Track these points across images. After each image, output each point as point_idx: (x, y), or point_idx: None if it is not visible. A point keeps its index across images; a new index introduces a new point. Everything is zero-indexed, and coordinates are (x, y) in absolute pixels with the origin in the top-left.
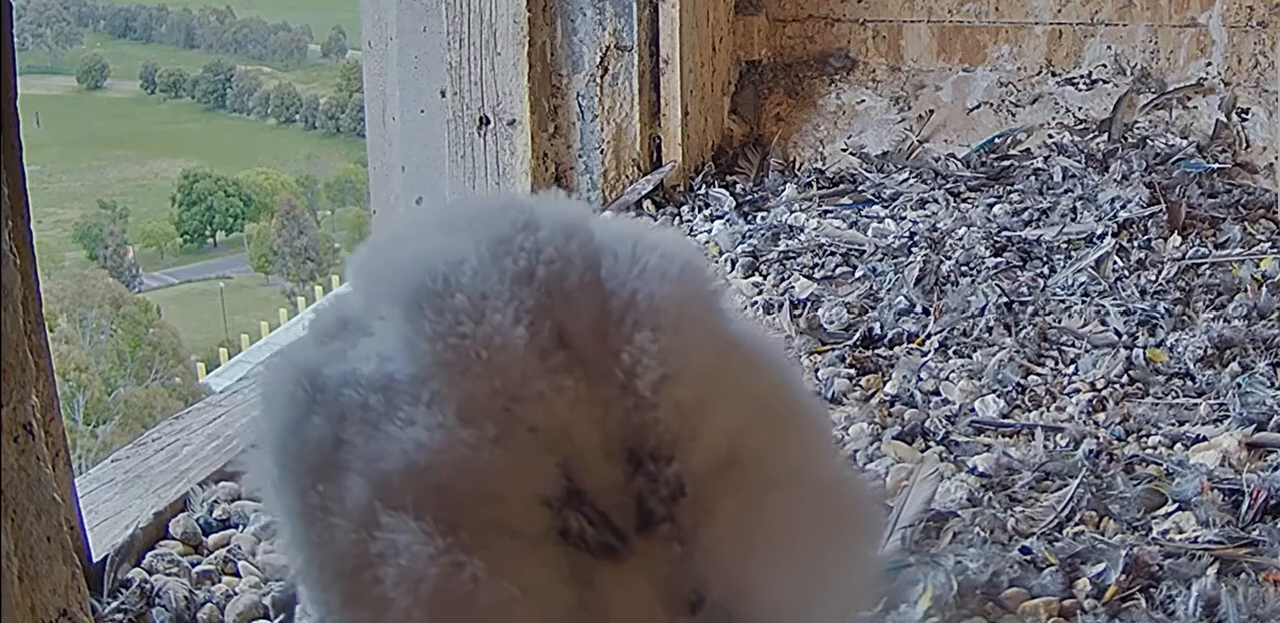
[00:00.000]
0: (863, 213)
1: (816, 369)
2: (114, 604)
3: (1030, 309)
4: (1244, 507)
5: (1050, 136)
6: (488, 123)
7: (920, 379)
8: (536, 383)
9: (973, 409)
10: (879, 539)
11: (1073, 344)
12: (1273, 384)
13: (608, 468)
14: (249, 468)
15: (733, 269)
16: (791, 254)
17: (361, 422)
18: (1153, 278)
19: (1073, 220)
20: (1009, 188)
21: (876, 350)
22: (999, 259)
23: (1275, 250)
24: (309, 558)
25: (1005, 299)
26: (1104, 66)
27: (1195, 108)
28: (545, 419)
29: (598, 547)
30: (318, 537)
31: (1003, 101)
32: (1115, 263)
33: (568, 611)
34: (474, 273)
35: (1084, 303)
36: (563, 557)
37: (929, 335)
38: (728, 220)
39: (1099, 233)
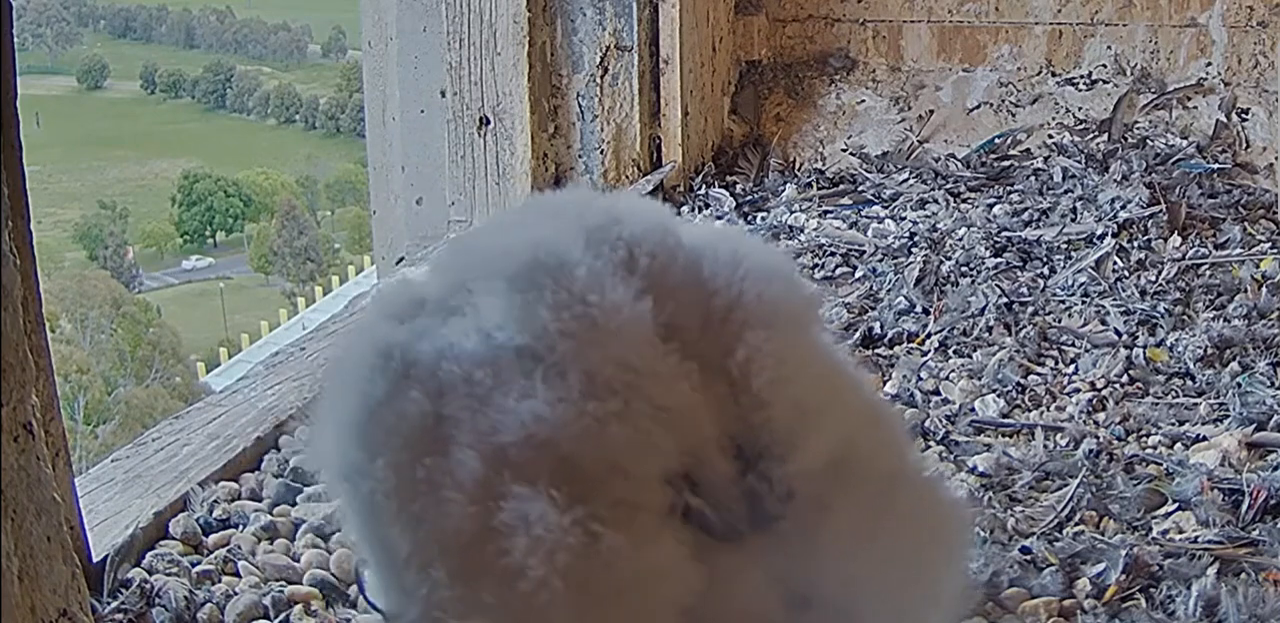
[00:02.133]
0: (863, 213)
1: None
2: (114, 604)
3: (1030, 309)
4: (1244, 507)
5: (1050, 136)
6: (488, 123)
7: (920, 379)
8: (662, 360)
9: (973, 409)
10: (972, 542)
11: (1073, 344)
12: (1273, 384)
13: (721, 462)
14: (311, 448)
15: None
16: (791, 254)
17: (466, 397)
18: (1153, 278)
19: (1073, 220)
20: (1009, 188)
21: (876, 350)
22: (999, 259)
23: (1275, 250)
24: (406, 535)
25: (1005, 299)
26: (1104, 66)
27: (1195, 108)
28: (670, 399)
29: (721, 528)
30: (423, 511)
31: (1003, 101)
32: (1115, 263)
33: (699, 588)
34: (583, 253)
35: (1084, 303)
36: (688, 536)
37: (929, 335)
38: (728, 220)
39: (1099, 233)
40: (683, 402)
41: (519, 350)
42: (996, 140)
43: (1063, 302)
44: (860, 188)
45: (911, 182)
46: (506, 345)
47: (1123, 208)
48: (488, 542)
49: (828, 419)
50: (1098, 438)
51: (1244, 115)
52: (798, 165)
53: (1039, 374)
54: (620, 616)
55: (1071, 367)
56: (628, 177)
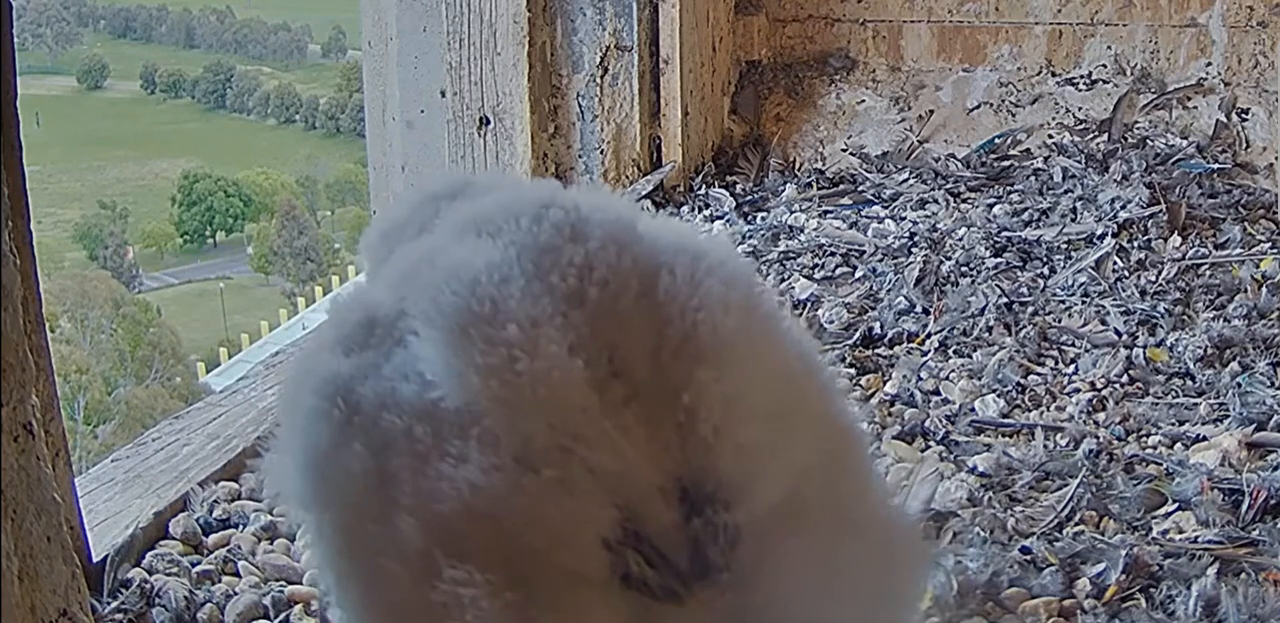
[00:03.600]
0: (863, 213)
1: None
2: (114, 604)
3: (1030, 309)
4: (1244, 507)
5: (1050, 136)
6: (488, 123)
7: (920, 379)
8: (597, 422)
9: (973, 409)
10: (929, 582)
11: (1073, 344)
12: (1273, 384)
13: (665, 509)
14: (270, 479)
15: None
16: (791, 254)
17: (408, 454)
18: (1153, 278)
19: (1073, 220)
20: (1009, 188)
21: (876, 350)
22: (999, 259)
23: (1275, 250)
24: (356, 595)
25: (1005, 299)
26: (1104, 66)
27: (1195, 108)
28: (606, 461)
29: (660, 590)
30: (368, 576)
31: (1003, 101)
32: (1115, 263)
33: None
34: (522, 293)
35: (1084, 303)
36: (627, 603)
37: (929, 335)
38: (728, 220)
39: (1099, 233)
40: (621, 463)
41: (458, 410)
42: (996, 140)
43: (1063, 302)
44: (860, 188)
45: (911, 182)
46: (447, 401)
47: (1123, 208)
48: (427, 617)
49: (777, 464)
50: (1098, 438)
51: (1244, 115)
52: (798, 165)
53: (1039, 374)
54: None
55: (1071, 367)
56: (628, 176)
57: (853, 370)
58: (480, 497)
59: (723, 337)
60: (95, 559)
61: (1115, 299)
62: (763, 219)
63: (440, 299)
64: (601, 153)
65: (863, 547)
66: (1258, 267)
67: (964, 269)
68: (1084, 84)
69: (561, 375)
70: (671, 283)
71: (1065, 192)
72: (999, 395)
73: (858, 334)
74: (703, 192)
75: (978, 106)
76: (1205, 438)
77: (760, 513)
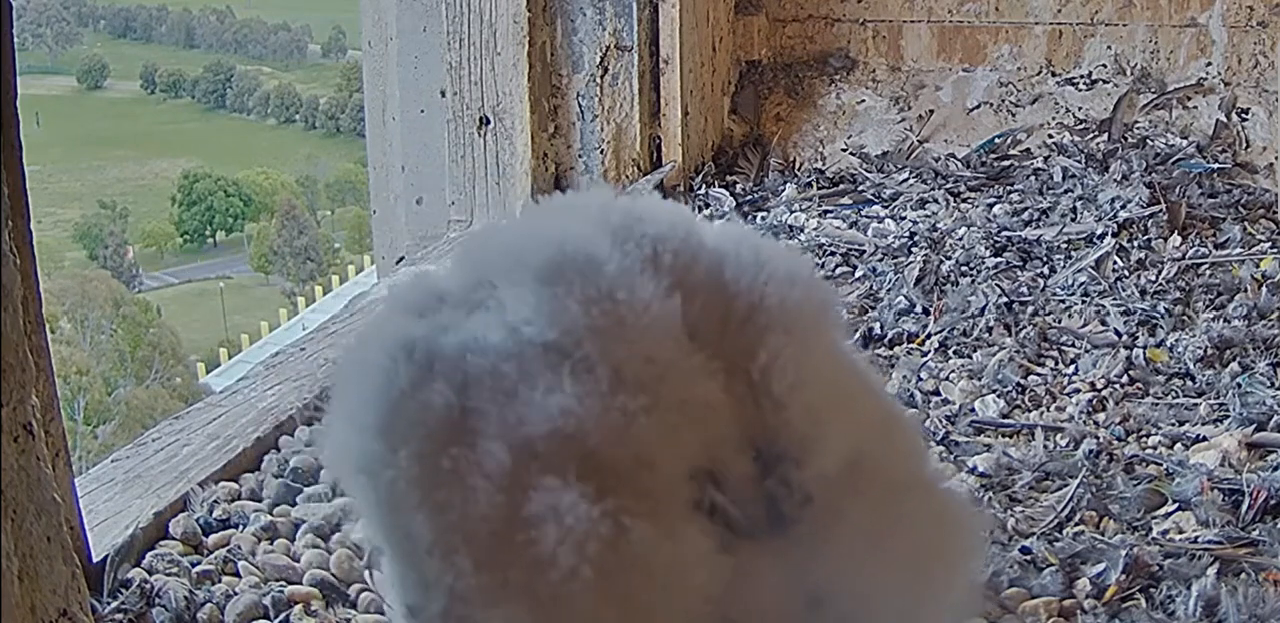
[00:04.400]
0: (863, 213)
1: None
2: (114, 604)
3: (1030, 309)
4: (1244, 507)
5: (1050, 136)
6: (488, 123)
7: (920, 379)
8: (689, 358)
9: (973, 409)
10: (983, 549)
11: (1073, 344)
12: (1273, 384)
13: (742, 462)
14: (323, 443)
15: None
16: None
17: (492, 389)
18: (1153, 278)
19: (1073, 220)
20: (1009, 188)
21: (876, 350)
22: (999, 259)
23: (1275, 250)
24: (431, 525)
25: (1005, 299)
26: (1104, 66)
27: (1195, 108)
28: (696, 394)
29: (744, 524)
30: (448, 499)
31: (1003, 101)
32: (1115, 263)
33: (724, 579)
34: (609, 253)
35: (1084, 303)
36: (713, 531)
37: (929, 335)
38: (728, 220)
39: (1099, 233)
40: (708, 398)
41: (546, 345)
42: (996, 140)
43: (1063, 302)
44: (860, 188)
45: (911, 182)
46: (534, 340)
47: (1123, 208)
48: (516, 530)
49: (842, 425)
50: (1098, 438)
51: (1244, 115)
52: (798, 165)
53: (1039, 374)
54: (650, 604)
55: (1071, 367)
56: (628, 176)
57: None
58: (570, 419)
59: (790, 307)
60: (95, 559)
61: (1115, 299)
62: (763, 219)
63: (526, 258)
64: (601, 153)
65: (918, 507)
66: (1258, 267)
67: (964, 269)
68: (1084, 84)
69: (660, 310)
70: (737, 264)
71: (1065, 192)
72: (999, 395)
73: (858, 334)
74: (703, 192)
75: (978, 106)
76: (1205, 438)
77: (828, 472)
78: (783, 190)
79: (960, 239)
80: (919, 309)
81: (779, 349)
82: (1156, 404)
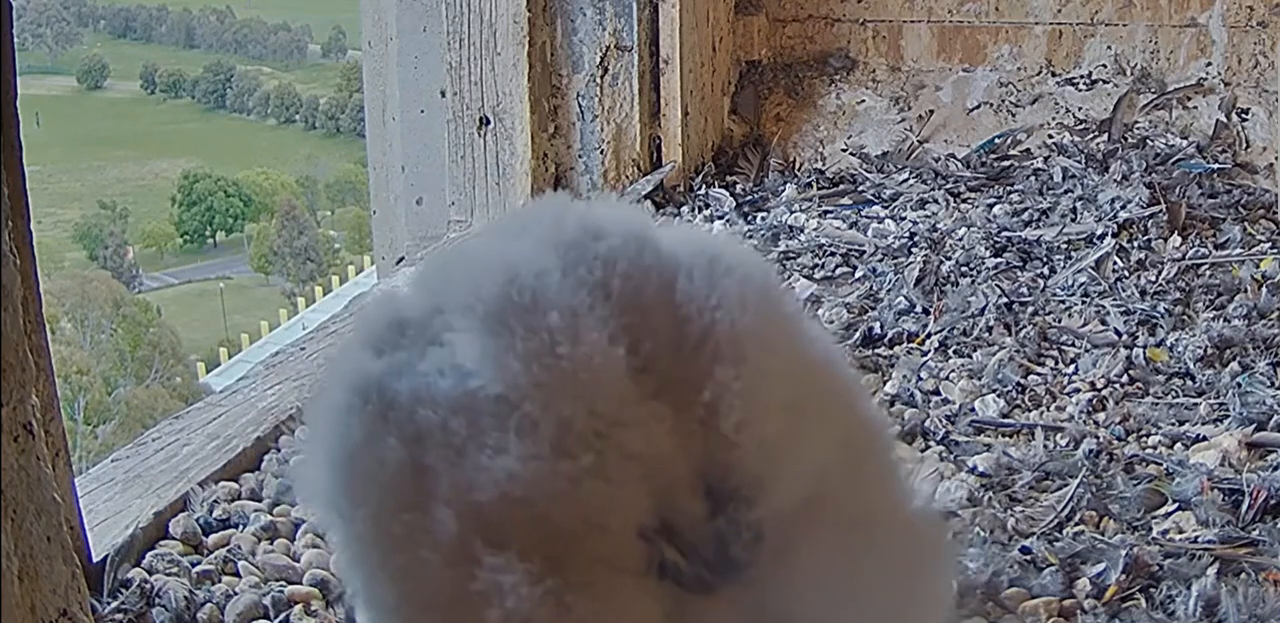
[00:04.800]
0: (863, 213)
1: None
2: (114, 604)
3: (1030, 309)
4: (1244, 507)
5: (1050, 136)
6: (488, 123)
7: (920, 379)
8: (635, 408)
9: (973, 409)
10: (954, 579)
11: (1073, 344)
12: (1273, 384)
13: (693, 502)
14: (299, 482)
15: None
16: (791, 254)
17: (444, 446)
18: (1153, 278)
19: (1073, 220)
20: (1009, 188)
21: (876, 350)
22: (999, 259)
23: (1275, 250)
24: (390, 588)
25: (1005, 299)
26: (1104, 66)
27: (1195, 108)
28: (642, 447)
29: (692, 581)
30: (403, 567)
31: (1003, 101)
32: (1115, 263)
33: None
34: (558, 285)
35: (1084, 303)
36: (662, 593)
37: (929, 335)
38: (728, 220)
39: (1099, 233)
40: (656, 449)
41: (496, 398)
42: (996, 140)
43: (1063, 302)
44: (860, 188)
45: (911, 182)
46: (485, 392)
47: (1123, 208)
48: (465, 606)
49: (799, 459)
50: (1098, 438)
51: (1244, 115)
52: (798, 165)
53: (1039, 374)
54: None
55: (1071, 367)
56: (628, 177)
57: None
58: (517, 485)
59: (739, 333)
60: (95, 559)
61: (1115, 299)
62: (763, 219)
63: (478, 291)
64: (601, 153)
65: (886, 542)
66: (1258, 267)
67: (964, 269)
68: (1084, 84)
69: (602, 361)
70: (689, 282)
71: (1065, 192)
72: (999, 395)
73: (858, 334)
74: (703, 192)
75: (978, 106)
76: (1205, 438)
77: (783, 509)
78: (783, 190)
79: (960, 239)
80: (919, 309)
81: (726, 383)
82: (1156, 404)
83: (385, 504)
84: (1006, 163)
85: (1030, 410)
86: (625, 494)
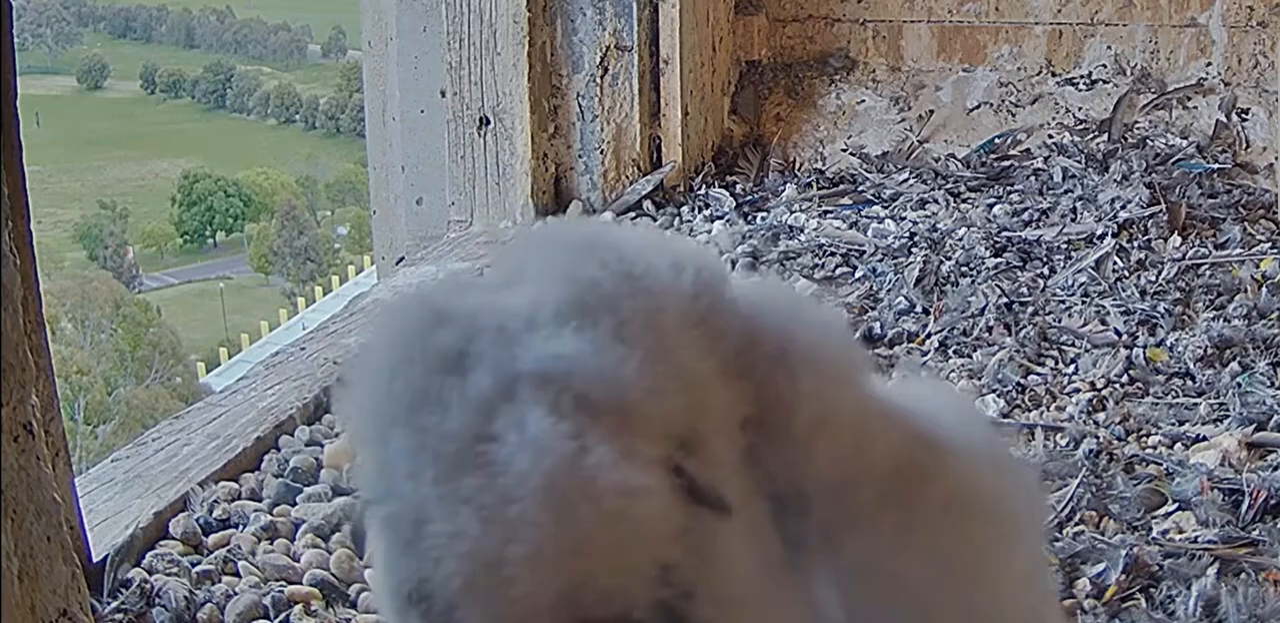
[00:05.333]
0: (863, 213)
1: None
2: (114, 604)
3: (1030, 309)
4: (1244, 507)
5: (1050, 136)
6: (488, 123)
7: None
8: (691, 332)
9: None
10: (1041, 548)
11: (1073, 344)
12: (1273, 384)
13: (723, 447)
14: (349, 379)
15: (733, 269)
16: (791, 254)
17: (496, 337)
18: (1153, 278)
19: (1073, 220)
20: (1009, 188)
21: (876, 350)
22: (999, 259)
23: (1275, 250)
24: (407, 443)
25: (1005, 299)
26: (1104, 66)
27: (1195, 108)
28: (693, 364)
29: (710, 494)
30: (427, 421)
31: (1003, 101)
32: (1115, 263)
33: (676, 528)
34: (629, 243)
35: (1084, 303)
36: (677, 492)
37: (929, 335)
38: (728, 220)
39: (1099, 233)
40: (705, 371)
41: (557, 307)
42: (996, 140)
43: (1063, 302)
44: (860, 188)
45: (911, 182)
46: (545, 302)
47: (1123, 208)
48: (481, 443)
49: (871, 454)
50: (1098, 438)
51: (1244, 115)
52: (798, 165)
53: (1039, 374)
54: (594, 529)
55: (1071, 367)
56: (628, 177)
57: None
58: (561, 363)
59: (817, 351)
60: (95, 559)
61: (1115, 299)
62: (763, 219)
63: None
64: (601, 153)
65: (965, 520)
66: (1258, 267)
67: (964, 269)
68: (1084, 84)
69: (670, 284)
70: (765, 316)
71: (1065, 192)
72: (999, 395)
73: (858, 334)
74: (703, 192)
75: (978, 106)
76: (1205, 438)
77: (848, 509)
78: (783, 190)
79: (960, 239)
80: (919, 309)
81: (802, 391)
82: (1156, 404)
83: (423, 373)
84: (1006, 163)
85: (1030, 410)
86: (662, 392)
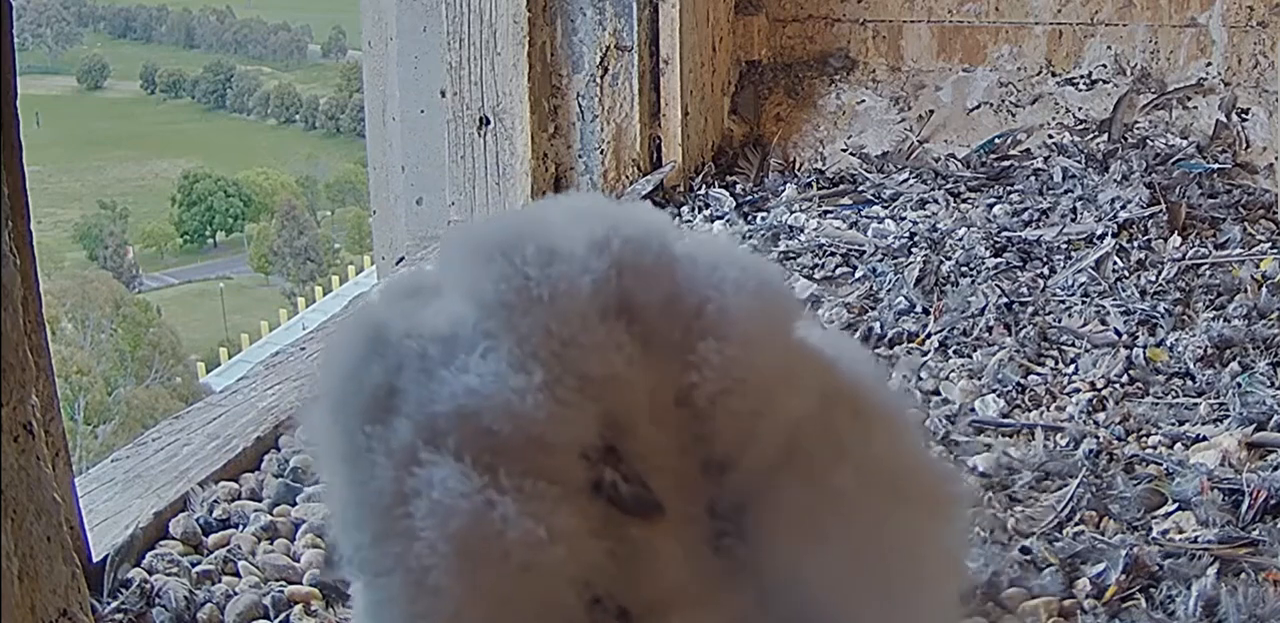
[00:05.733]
0: (863, 213)
1: None
2: (114, 604)
3: (1030, 309)
4: (1244, 507)
5: (1050, 136)
6: (488, 123)
7: (920, 379)
8: (594, 332)
9: (973, 409)
10: (963, 525)
11: (1073, 344)
12: (1273, 384)
13: (653, 431)
14: (305, 418)
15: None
16: (791, 254)
17: (418, 371)
18: (1153, 278)
19: (1073, 220)
20: (1009, 188)
21: (876, 350)
22: (999, 259)
23: (1275, 250)
24: (348, 497)
25: (1005, 299)
26: (1104, 66)
27: (1195, 108)
28: (597, 369)
29: (631, 502)
30: (360, 476)
31: (1003, 101)
32: (1115, 263)
33: (595, 562)
34: (550, 231)
35: (1084, 303)
36: (597, 510)
37: (929, 335)
38: (728, 220)
39: (1099, 233)
40: (613, 371)
41: (472, 326)
42: (996, 140)
43: (1063, 302)
44: (860, 188)
45: (911, 182)
46: (463, 320)
47: (1123, 208)
48: (400, 505)
49: (770, 425)
50: (1098, 438)
51: (1244, 115)
52: (798, 165)
53: (1039, 374)
54: (508, 584)
55: (1071, 367)
56: (628, 177)
57: None
58: (472, 398)
59: (729, 315)
60: (95, 559)
61: (1115, 299)
62: (763, 219)
63: (479, 242)
64: (601, 153)
65: (870, 483)
66: (1258, 267)
67: (964, 269)
68: (1084, 84)
69: (568, 287)
70: (692, 268)
71: (1065, 192)
72: (999, 395)
73: (858, 334)
74: (703, 192)
75: (978, 106)
76: (1205, 438)
77: (759, 465)
78: (783, 190)
79: (960, 239)
80: (919, 309)
81: (705, 357)
82: (1156, 404)
83: (357, 420)
84: (1006, 163)
85: (1030, 410)
86: (570, 413)
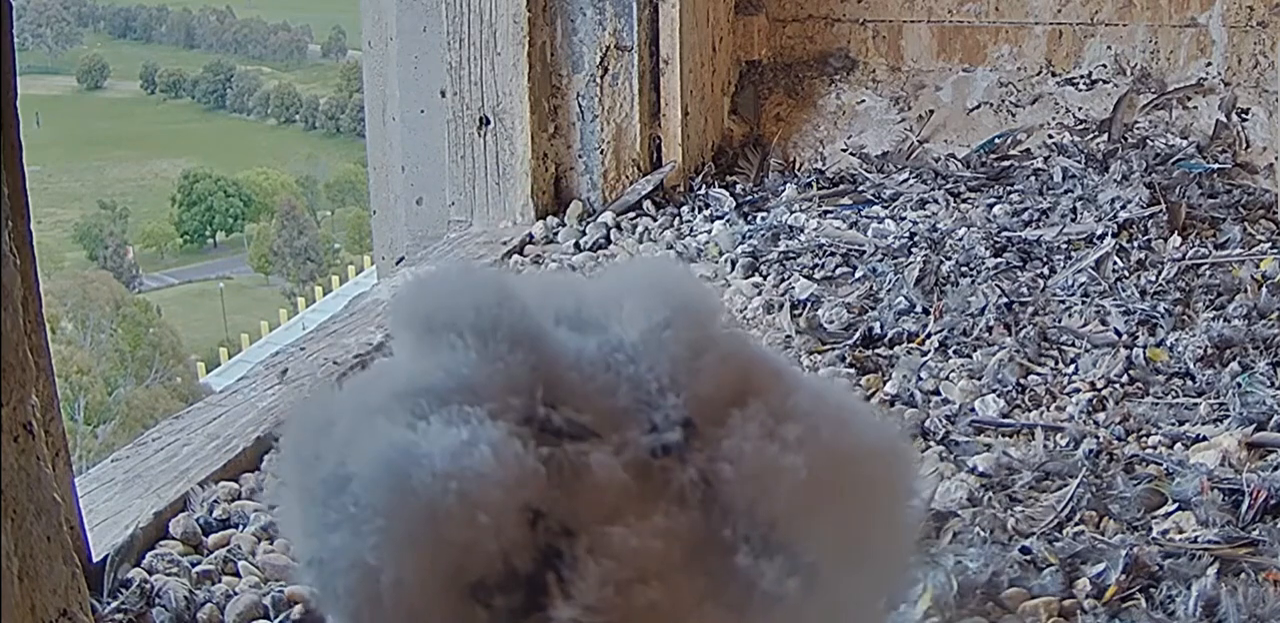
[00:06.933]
0: (863, 213)
1: (816, 369)
2: (114, 604)
3: (1030, 309)
4: (1244, 507)
5: (1050, 136)
6: (488, 123)
7: (920, 379)
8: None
9: (973, 409)
10: (913, 477)
11: (1073, 344)
12: (1273, 384)
13: (578, 376)
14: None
15: (733, 269)
16: (791, 254)
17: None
18: (1153, 278)
19: (1073, 220)
20: (1009, 188)
21: (876, 350)
22: (999, 259)
23: (1275, 250)
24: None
25: (1005, 299)
26: (1104, 66)
27: (1195, 108)
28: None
29: (564, 429)
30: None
31: (1003, 101)
32: (1115, 263)
33: (534, 474)
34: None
35: (1084, 303)
36: (530, 433)
37: (929, 335)
38: (728, 220)
39: (1099, 233)
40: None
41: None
42: (996, 140)
43: (1063, 302)
44: (860, 188)
45: (911, 182)
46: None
47: (1123, 208)
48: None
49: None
50: (1098, 438)
51: (1244, 115)
52: (798, 165)
53: (1039, 374)
54: (445, 513)
55: (1071, 367)
56: (628, 176)
57: (853, 370)
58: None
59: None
60: (95, 559)
61: (1115, 299)
62: (763, 219)
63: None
64: (601, 153)
65: (824, 430)
66: (1258, 267)
67: (964, 269)
68: (1084, 84)
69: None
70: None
71: (1065, 192)
72: (999, 395)
73: (858, 334)
74: (703, 192)
75: (978, 106)
76: (1205, 438)
77: (708, 398)
78: (783, 190)
79: (960, 239)
80: (919, 309)
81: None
82: (1156, 404)
83: (310, 493)
84: (1006, 163)
85: (1030, 410)
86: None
